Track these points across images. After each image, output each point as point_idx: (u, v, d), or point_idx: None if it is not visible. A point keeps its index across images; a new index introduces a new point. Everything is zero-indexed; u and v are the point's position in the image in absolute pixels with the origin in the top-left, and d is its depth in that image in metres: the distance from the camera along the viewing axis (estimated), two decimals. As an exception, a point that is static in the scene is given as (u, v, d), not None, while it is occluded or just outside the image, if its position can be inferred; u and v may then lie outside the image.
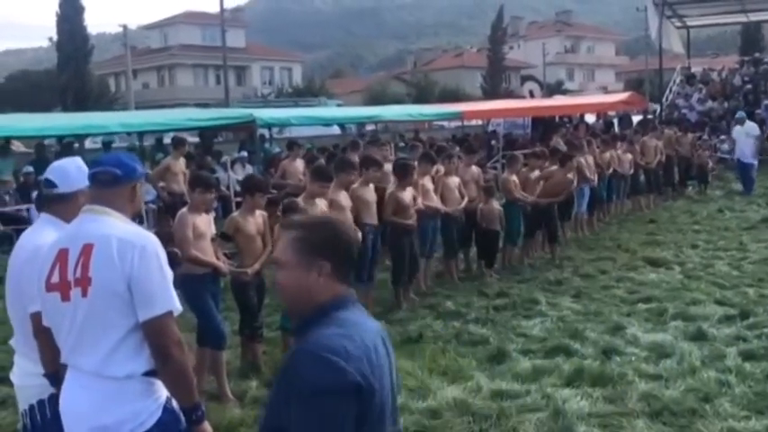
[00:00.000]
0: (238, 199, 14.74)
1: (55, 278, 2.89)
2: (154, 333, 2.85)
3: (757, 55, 33.08)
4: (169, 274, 2.94)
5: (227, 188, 12.96)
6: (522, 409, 5.27)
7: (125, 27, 38.91)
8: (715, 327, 7.24)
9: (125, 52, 38.27)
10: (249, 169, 15.73)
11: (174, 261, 3.75)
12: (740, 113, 18.26)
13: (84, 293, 2.83)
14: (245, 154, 16.07)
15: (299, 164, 11.96)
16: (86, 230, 2.92)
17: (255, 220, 6.33)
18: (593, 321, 7.57)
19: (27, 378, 3.32)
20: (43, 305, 2.98)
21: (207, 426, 3.00)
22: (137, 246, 2.86)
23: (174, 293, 2.93)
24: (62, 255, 2.90)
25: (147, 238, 2.93)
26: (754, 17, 33.83)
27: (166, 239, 4.06)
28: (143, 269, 2.84)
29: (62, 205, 3.31)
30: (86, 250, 2.86)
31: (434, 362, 6.39)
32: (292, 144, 12.96)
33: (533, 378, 5.98)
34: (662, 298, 8.37)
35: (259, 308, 6.56)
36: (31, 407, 3.30)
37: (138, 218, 3.10)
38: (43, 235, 3.22)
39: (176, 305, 2.93)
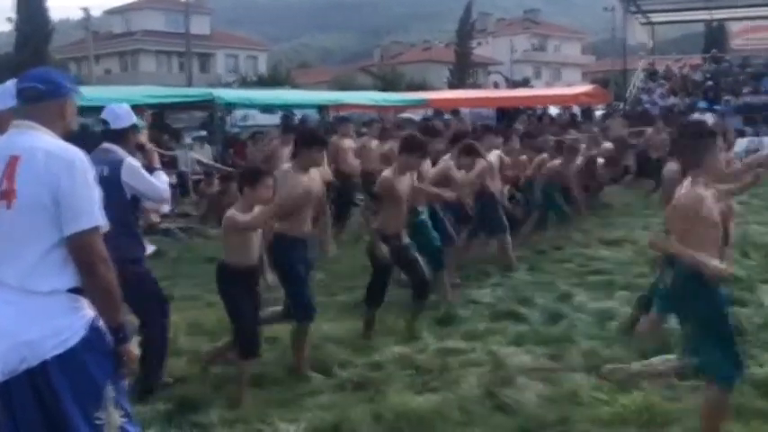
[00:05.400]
0: (195, 177, 14.82)
1: None
2: (79, 248, 2.80)
3: (715, 51, 33.67)
4: (97, 190, 2.90)
5: (186, 166, 12.90)
6: (465, 364, 5.33)
7: (87, 11, 38.34)
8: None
9: (87, 37, 37.74)
10: (208, 149, 15.66)
11: None
12: (701, 104, 18.46)
13: (9, 205, 2.78)
14: (203, 133, 15.97)
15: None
16: (13, 143, 2.87)
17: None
18: (543, 290, 7.66)
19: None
20: None
21: (132, 347, 2.97)
22: (65, 159, 2.81)
23: (100, 210, 2.88)
24: None
25: (76, 154, 2.88)
26: (717, 15, 34.32)
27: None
28: (70, 183, 2.79)
29: None
30: (12, 162, 2.81)
31: (383, 324, 6.41)
32: (288, 128, 12.63)
33: (480, 338, 6.04)
34: (611, 271, 8.50)
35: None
36: None
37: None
38: None
39: (103, 221, 2.88)
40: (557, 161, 10.30)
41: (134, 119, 5.01)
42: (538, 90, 33.88)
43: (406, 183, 6.25)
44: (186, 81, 35.57)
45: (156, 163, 5.22)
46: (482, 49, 62.83)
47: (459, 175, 7.73)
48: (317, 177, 5.62)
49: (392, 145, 12.21)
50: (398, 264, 6.37)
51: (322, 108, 18.69)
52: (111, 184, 4.58)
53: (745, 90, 27.90)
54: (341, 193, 10.95)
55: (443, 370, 5.22)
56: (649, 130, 16.13)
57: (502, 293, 7.53)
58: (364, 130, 13.00)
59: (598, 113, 24.30)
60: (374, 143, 12.07)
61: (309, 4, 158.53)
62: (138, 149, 5.14)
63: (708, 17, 36.12)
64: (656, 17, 32.97)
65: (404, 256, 6.25)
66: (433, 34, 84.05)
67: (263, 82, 45.16)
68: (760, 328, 6.15)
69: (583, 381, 5.10)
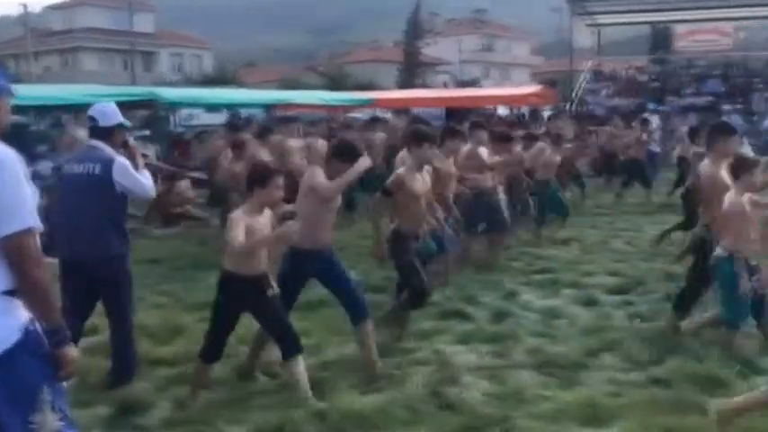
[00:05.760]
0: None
1: None
2: (11, 250, 2.71)
3: (660, 53, 34.38)
4: (29, 190, 2.80)
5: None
6: (411, 363, 5.32)
7: (25, 7, 37.45)
8: (606, 294, 7.50)
9: (26, 33, 36.83)
10: (150, 149, 15.36)
11: None
12: (650, 105, 18.80)
13: None
14: (147, 132, 15.69)
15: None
16: None
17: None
18: (489, 289, 7.70)
19: None
20: None
21: (70, 350, 2.88)
22: None
23: (33, 211, 2.78)
24: None
25: (6, 153, 2.78)
26: (662, 17, 35.03)
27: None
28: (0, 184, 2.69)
29: None
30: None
31: (331, 324, 6.37)
32: (265, 129, 12.33)
33: (426, 337, 6.05)
34: (557, 269, 8.60)
35: None
36: None
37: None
38: None
39: (36, 223, 2.79)
40: (548, 151, 10.49)
41: (121, 117, 5.09)
42: (487, 90, 34.03)
43: (421, 180, 5.95)
44: (130, 80, 34.88)
45: (139, 160, 5.21)
46: (431, 49, 62.85)
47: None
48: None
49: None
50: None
51: (269, 107, 18.55)
52: (102, 182, 4.82)
53: (689, 91, 28.63)
54: (287, 194, 10.81)
55: (390, 369, 5.20)
56: (608, 129, 16.43)
57: (449, 292, 7.54)
58: (311, 129, 12.90)
59: (545, 114, 24.57)
60: (320, 143, 12.00)
61: (257, 2, 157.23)
62: (122, 147, 5.19)
63: (653, 19, 36.83)
64: (602, 19, 33.50)
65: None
66: (382, 34, 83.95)
67: (208, 81, 44.55)
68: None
69: (527, 378, 5.16)
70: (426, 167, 6.09)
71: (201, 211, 11.16)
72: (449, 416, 4.57)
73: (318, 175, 5.15)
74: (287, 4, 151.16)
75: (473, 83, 53.56)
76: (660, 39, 41.90)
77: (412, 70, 56.95)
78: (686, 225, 9.22)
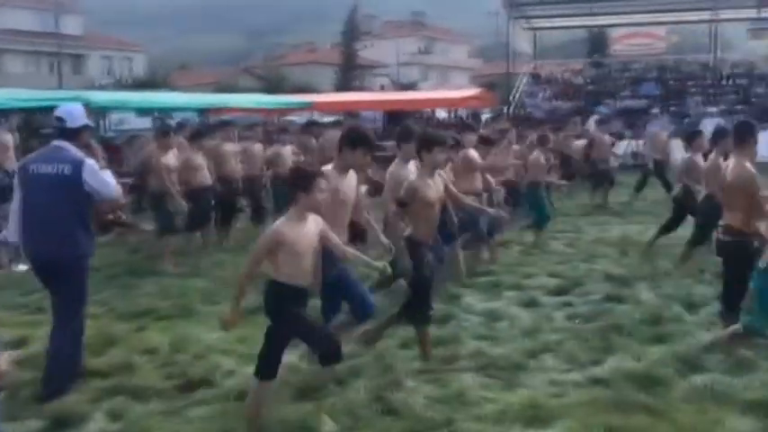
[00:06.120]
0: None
1: None
2: None
3: (596, 56, 35.06)
4: None
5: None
6: (354, 370, 5.26)
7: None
8: (546, 296, 7.56)
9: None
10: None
11: None
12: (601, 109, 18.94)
13: None
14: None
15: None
16: None
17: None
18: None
19: None
20: None
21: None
22: None
23: None
24: None
25: None
26: (599, 21, 35.66)
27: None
28: None
29: None
30: None
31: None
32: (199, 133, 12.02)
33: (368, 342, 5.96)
34: (499, 272, 8.61)
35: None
36: None
37: None
38: None
39: None
40: (536, 154, 10.49)
41: (86, 119, 5.34)
42: (426, 93, 34.10)
43: (434, 186, 5.67)
44: (57, 83, 33.91)
45: (101, 161, 5.36)
46: (369, 52, 62.90)
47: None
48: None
49: (276, 149, 12.07)
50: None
51: (203, 111, 18.23)
52: (72, 182, 5.00)
53: (625, 94, 29.26)
54: (223, 199, 10.66)
55: (330, 375, 5.11)
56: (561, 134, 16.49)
57: (389, 296, 7.48)
58: (247, 133, 12.69)
59: (484, 117, 24.76)
60: (257, 147, 11.86)
61: (190, 4, 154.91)
62: (85, 147, 5.30)
63: (590, 23, 37.45)
64: (538, 23, 33.87)
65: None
66: (319, 35, 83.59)
67: (140, 84, 43.58)
68: (638, 323, 6.36)
69: (470, 380, 5.15)
70: (439, 172, 5.87)
71: (133, 218, 10.90)
72: (392, 421, 4.53)
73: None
74: (220, 5, 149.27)
75: (411, 86, 53.71)
76: (596, 42, 42.72)
77: (350, 73, 56.89)
78: (670, 227, 9.34)
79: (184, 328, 6.58)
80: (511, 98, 29.97)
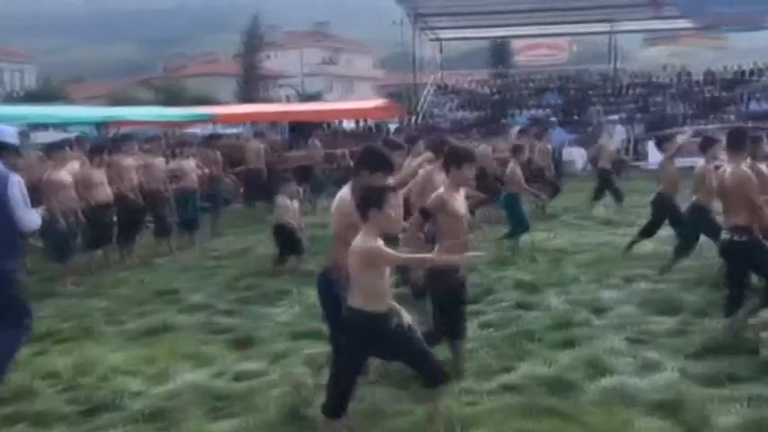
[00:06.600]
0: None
1: None
2: None
3: (500, 67, 35.82)
4: None
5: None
6: (265, 387, 5.15)
7: None
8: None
9: None
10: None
11: None
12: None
13: None
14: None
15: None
16: None
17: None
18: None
19: None
20: None
21: None
22: None
23: None
24: None
25: None
26: (503, 32, 36.37)
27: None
28: None
29: None
30: None
31: (177, 350, 6.08)
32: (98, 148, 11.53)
33: (279, 359, 5.91)
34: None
35: None
36: None
37: None
38: None
39: None
40: (511, 165, 10.55)
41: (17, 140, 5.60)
42: (332, 104, 34.06)
43: (461, 200, 5.44)
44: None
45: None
46: (272, 62, 62.36)
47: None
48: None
49: (179, 163, 11.79)
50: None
51: (100, 125, 17.59)
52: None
53: (530, 103, 29.98)
54: (124, 215, 10.33)
55: (243, 394, 5.02)
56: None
57: (299, 311, 7.39)
58: (147, 146, 12.30)
59: (391, 127, 24.88)
60: (159, 161, 11.56)
61: (84, 13, 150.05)
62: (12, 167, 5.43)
63: (493, 35, 38.18)
64: (443, 33, 34.26)
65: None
66: (219, 46, 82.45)
67: (32, 97, 41.88)
68: (548, 329, 6.46)
69: (383, 393, 5.10)
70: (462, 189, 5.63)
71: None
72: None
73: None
74: (115, 13, 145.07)
75: (316, 96, 53.57)
76: (499, 53, 43.59)
77: (252, 83, 56.19)
78: (650, 232, 9.40)
79: (87, 350, 6.31)
80: (418, 108, 30.24)
